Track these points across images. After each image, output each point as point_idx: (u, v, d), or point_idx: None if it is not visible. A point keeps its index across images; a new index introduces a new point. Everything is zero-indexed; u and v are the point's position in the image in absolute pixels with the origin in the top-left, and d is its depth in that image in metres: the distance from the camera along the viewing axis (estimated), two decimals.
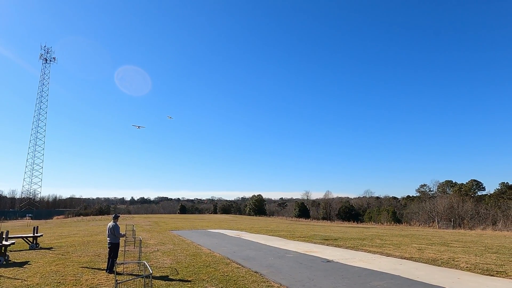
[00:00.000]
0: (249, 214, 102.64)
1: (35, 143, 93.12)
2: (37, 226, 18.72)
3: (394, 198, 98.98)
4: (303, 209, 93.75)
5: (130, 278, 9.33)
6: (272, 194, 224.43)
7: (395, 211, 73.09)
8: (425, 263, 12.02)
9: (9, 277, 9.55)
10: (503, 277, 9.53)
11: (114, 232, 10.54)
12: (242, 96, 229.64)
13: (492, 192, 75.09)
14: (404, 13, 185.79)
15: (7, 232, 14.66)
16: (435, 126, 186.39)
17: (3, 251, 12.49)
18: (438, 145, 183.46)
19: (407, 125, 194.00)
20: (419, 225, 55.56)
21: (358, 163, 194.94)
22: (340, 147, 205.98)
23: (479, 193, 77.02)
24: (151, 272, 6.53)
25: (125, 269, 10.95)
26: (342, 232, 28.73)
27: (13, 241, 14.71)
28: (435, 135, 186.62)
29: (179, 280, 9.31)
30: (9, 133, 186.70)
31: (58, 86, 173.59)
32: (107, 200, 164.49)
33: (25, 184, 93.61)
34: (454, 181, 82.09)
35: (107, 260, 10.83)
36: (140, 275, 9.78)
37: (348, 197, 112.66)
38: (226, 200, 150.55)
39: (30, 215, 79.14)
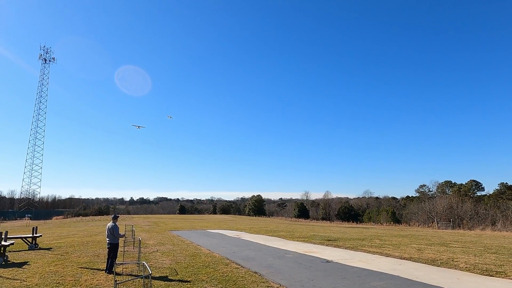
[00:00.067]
0: (249, 215, 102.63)
1: (34, 143, 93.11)
2: (36, 227, 18.68)
3: (394, 198, 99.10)
4: (303, 210, 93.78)
5: (130, 279, 9.32)
6: (271, 194, 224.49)
7: (395, 211, 73.19)
8: (425, 263, 12.02)
9: (8, 278, 9.53)
10: (502, 278, 9.54)
11: (114, 233, 10.52)
12: (242, 96, 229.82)
13: (491, 192, 75.26)
14: (404, 13, 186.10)
15: (6, 233, 14.62)
16: (435, 126, 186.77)
17: (2, 251, 12.46)
18: (438, 145, 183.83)
19: (406, 125, 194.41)
20: (419, 225, 55.62)
21: (358, 164, 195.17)
22: (340, 147, 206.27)
23: (478, 193, 77.18)
24: (150, 272, 6.53)
25: (124, 269, 10.93)
26: (342, 233, 28.73)
27: (12, 242, 14.70)
28: (435, 136, 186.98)
29: (179, 280, 9.30)
30: (8, 133, 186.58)
31: (58, 86, 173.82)
32: (106, 200, 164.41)
33: (24, 184, 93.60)
34: (453, 182, 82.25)
35: (106, 260, 10.81)
36: (140, 275, 9.76)
37: (347, 198, 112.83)
38: (226, 201, 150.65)
39: (29, 215, 79.02)
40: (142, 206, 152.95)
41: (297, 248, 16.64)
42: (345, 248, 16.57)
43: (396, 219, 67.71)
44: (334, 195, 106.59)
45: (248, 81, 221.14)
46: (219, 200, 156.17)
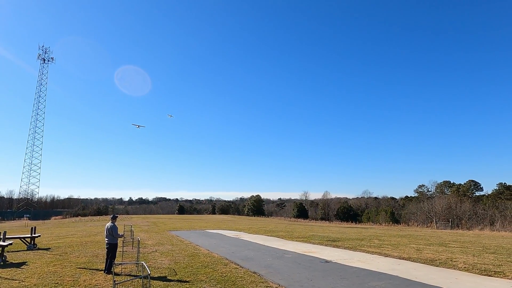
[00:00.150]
0: (248, 215, 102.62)
1: (33, 143, 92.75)
2: (35, 227, 18.63)
3: (392, 198, 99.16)
4: (302, 210, 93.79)
5: (128, 279, 9.31)
6: (270, 194, 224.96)
7: (393, 211, 73.25)
8: (423, 263, 12.04)
9: (6, 278, 9.51)
10: (501, 277, 9.56)
11: (112, 233, 10.51)
12: (241, 96, 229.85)
13: (490, 192, 75.37)
14: (403, 13, 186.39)
15: (5, 233, 14.60)
16: (433, 126, 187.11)
17: (0, 251, 12.43)
18: (436, 145, 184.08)
19: (405, 125, 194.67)
20: (417, 225, 55.71)
21: (357, 164, 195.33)
22: (339, 147, 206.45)
23: (477, 193, 77.26)
24: (149, 272, 6.52)
25: (123, 269, 10.92)
26: (341, 233, 28.75)
27: (10, 242, 14.64)
28: (433, 136, 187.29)
29: (178, 280, 9.29)
30: (7, 133, 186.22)
31: (57, 86, 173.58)
32: (105, 200, 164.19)
33: (23, 184, 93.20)
34: (452, 182, 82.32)
35: (105, 260, 10.80)
36: (138, 275, 9.75)
37: (346, 198, 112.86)
38: (225, 201, 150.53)
39: (28, 215, 78.80)
40: (141, 206, 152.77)
41: (296, 248, 16.65)
42: (344, 248, 16.58)
43: (395, 219, 67.79)
44: (333, 195, 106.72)
45: (247, 81, 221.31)
46: (218, 200, 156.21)
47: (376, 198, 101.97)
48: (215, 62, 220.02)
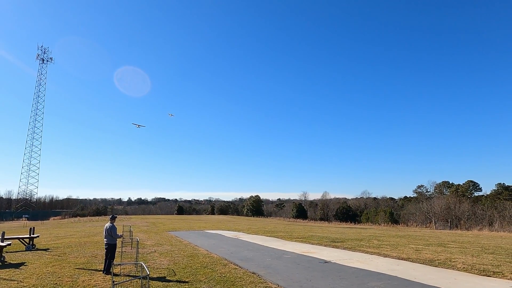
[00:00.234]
0: (247, 215, 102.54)
1: (31, 143, 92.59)
2: (34, 227, 18.59)
3: (391, 199, 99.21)
4: (301, 210, 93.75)
5: (127, 279, 9.30)
6: (269, 194, 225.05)
7: (392, 212, 73.24)
8: (422, 263, 12.05)
9: (5, 279, 9.49)
10: (500, 278, 9.57)
11: (111, 233, 10.49)
12: (240, 97, 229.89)
13: (488, 193, 75.56)
14: (402, 14, 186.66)
15: (3, 233, 14.56)
16: (432, 127, 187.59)
17: None
18: (435, 146, 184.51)
19: (404, 126, 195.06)
20: (416, 225, 55.74)
21: (356, 164, 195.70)
22: (338, 148, 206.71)
23: (476, 193, 77.42)
24: (148, 273, 6.51)
25: (122, 270, 10.90)
26: (340, 233, 28.76)
27: (9, 242, 14.61)
28: (432, 136, 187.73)
29: (177, 281, 9.28)
30: (5, 134, 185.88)
31: (56, 86, 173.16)
32: (104, 201, 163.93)
33: (22, 184, 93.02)
34: (451, 182, 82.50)
35: (104, 261, 10.78)
36: (137, 276, 9.74)
37: (345, 198, 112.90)
38: (224, 201, 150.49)
39: (27, 216, 78.60)
40: (140, 206, 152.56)
41: (295, 248, 16.65)
42: (343, 249, 16.58)
43: (394, 220, 67.79)
44: (332, 195, 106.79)
45: (246, 82, 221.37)
46: (217, 201, 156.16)
47: (375, 198, 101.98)
48: (214, 62, 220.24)
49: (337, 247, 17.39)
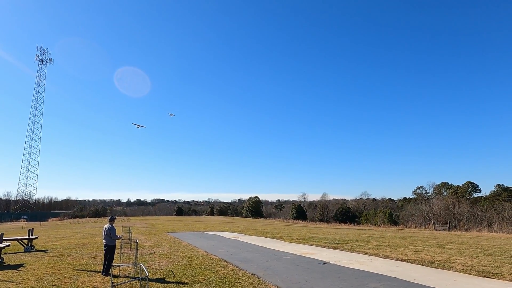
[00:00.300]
0: (246, 216, 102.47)
1: (30, 144, 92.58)
2: (32, 228, 18.54)
3: (391, 200, 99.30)
4: (300, 211, 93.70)
5: (126, 281, 9.28)
6: (269, 196, 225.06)
7: (392, 213, 73.25)
8: (422, 265, 12.05)
9: (3, 280, 9.46)
10: (499, 279, 9.58)
11: (110, 234, 10.48)
12: (240, 98, 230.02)
13: (487, 194, 75.71)
14: (402, 16, 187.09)
15: (2, 234, 14.51)
16: (432, 128, 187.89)
17: None
18: (434, 147, 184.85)
19: (403, 127, 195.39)
20: (416, 227, 55.75)
21: (355, 165, 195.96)
22: (337, 149, 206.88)
23: (475, 195, 77.54)
24: (147, 274, 6.50)
25: (121, 271, 10.88)
26: (339, 234, 28.75)
27: (7, 244, 14.57)
28: (432, 137, 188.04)
29: (176, 282, 9.27)
30: (4, 135, 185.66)
31: (56, 87, 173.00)
32: (103, 202, 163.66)
33: (21, 186, 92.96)
34: (450, 183, 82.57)
35: (103, 262, 10.76)
36: (137, 277, 9.72)
37: (344, 199, 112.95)
38: (223, 202, 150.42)
39: (25, 217, 78.47)
40: (139, 207, 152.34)
41: (295, 249, 16.63)
42: (342, 250, 16.57)
43: (393, 221, 67.79)
44: (331, 196, 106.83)
45: (246, 83, 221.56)
46: (217, 202, 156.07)
47: (374, 199, 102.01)
48: (214, 63, 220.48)
49: (336, 248, 17.38)
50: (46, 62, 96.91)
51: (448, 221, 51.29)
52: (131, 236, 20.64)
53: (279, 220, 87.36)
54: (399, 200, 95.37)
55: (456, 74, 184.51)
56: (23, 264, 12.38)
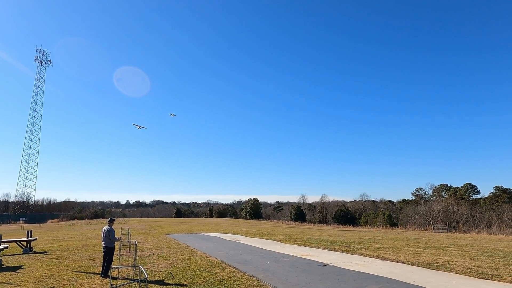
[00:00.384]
0: (245, 218, 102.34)
1: (29, 145, 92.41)
2: (31, 230, 18.50)
3: (390, 201, 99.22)
4: (299, 213, 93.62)
5: (125, 283, 9.26)
6: (268, 197, 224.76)
7: (391, 214, 73.22)
8: (421, 266, 12.05)
9: (1, 282, 9.43)
10: (498, 281, 9.58)
11: (109, 236, 10.46)
12: (239, 100, 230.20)
13: (486, 195, 75.71)
14: (401, 16, 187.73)
15: (0, 236, 14.49)
16: (431, 129, 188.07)
17: None
18: (434, 148, 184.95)
19: (402, 129, 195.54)
20: (415, 228, 55.77)
21: (354, 167, 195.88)
22: (336, 150, 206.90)
23: (474, 196, 77.57)
24: (146, 276, 6.49)
25: (120, 273, 10.85)
26: (338, 236, 28.73)
27: (6, 245, 14.53)
28: (431, 139, 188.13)
29: (175, 284, 9.25)
30: (3, 136, 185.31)
31: (55, 87, 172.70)
32: (102, 203, 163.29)
33: (19, 187, 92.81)
34: (449, 185, 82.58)
35: (102, 264, 10.73)
36: (136, 279, 9.71)
37: (344, 201, 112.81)
38: (222, 204, 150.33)
39: (24, 218, 78.16)
40: (138, 209, 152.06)
41: (294, 251, 16.62)
42: (341, 252, 16.57)
43: (392, 222, 67.78)
44: (330, 198, 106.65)
45: (245, 84, 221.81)
46: (216, 203, 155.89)
47: (373, 201, 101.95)
48: (213, 64, 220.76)
49: (335, 250, 17.37)
50: (46, 63, 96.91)
51: (447, 222, 51.30)
52: (130, 238, 20.60)
53: (278, 221, 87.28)
54: (398, 201, 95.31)
55: (456, 75, 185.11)
56: (22, 266, 12.34)
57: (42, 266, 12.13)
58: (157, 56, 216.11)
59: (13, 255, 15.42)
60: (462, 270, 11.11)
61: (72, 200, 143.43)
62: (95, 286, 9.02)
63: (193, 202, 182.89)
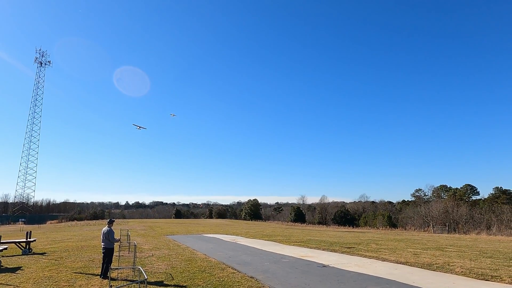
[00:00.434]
0: (245, 219, 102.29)
1: (29, 146, 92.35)
2: (30, 231, 18.48)
3: (390, 202, 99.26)
4: (299, 214, 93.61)
5: (125, 284, 9.25)
6: (267, 198, 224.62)
7: (391, 215, 73.25)
8: (421, 267, 12.05)
9: (1, 283, 9.41)
10: (498, 282, 9.59)
11: (109, 237, 10.45)
12: (239, 100, 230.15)
13: (486, 196, 75.81)
14: (401, 16, 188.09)
15: None
16: (430, 130, 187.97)
17: None
18: (433, 149, 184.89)
19: (402, 129, 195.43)
20: (414, 229, 55.77)
21: (354, 168, 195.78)
22: (336, 151, 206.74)
23: (474, 197, 77.71)
24: (145, 277, 6.48)
25: (119, 274, 10.84)
26: (338, 237, 28.73)
27: (5, 246, 14.52)
28: (430, 140, 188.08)
29: (174, 285, 9.24)
30: (3, 137, 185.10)
31: (54, 87, 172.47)
32: (101, 204, 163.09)
33: (19, 188, 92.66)
34: (448, 186, 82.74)
35: (101, 265, 10.72)
36: (135, 280, 9.69)
37: (343, 202, 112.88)
38: (222, 205, 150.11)
39: (23, 219, 77.96)
40: (138, 210, 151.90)
41: (294, 252, 16.61)
42: (341, 253, 16.56)
43: (392, 223, 67.81)
44: (330, 199, 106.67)
45: (244, 85, 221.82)
46: (215, 204, 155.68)
47: (373, 202, 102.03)
48: (213, 64, 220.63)
49: (335, 251, 17.36)
50: (45, 64, 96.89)
51: (447, 223, 51.34)
52: (129, 239, 20.58)
53: (278, 222, 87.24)
54: (398, 202, 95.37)
55: (455, 76, 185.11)
56: (21, 267, 12.32)
57: (41, 267, 12.11)
58: (156, 56, 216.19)
59: (12, 256, 15.40)
60: (461, 271, 11.11)
61: (71, 201, 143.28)
62: (94, 287, 9.01)
63: (192, 203, 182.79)
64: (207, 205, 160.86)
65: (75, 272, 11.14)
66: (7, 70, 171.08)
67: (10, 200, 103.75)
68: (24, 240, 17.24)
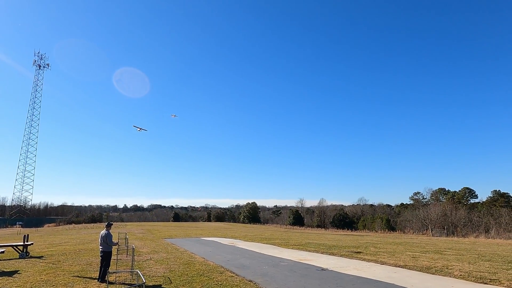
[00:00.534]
0: (243, 222, 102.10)
1: (27, 149, 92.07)
2: (28, 234, 18.40)
3: (388, 205, 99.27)
4: (298, 217, 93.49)
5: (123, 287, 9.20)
6: (266, 201, 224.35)
7: (389, 218, 73.25)
8: (419, 271, 12.05)
9: None
10: (497, 285, 9.59)
11: (107, 241, 10.41)
12: (237, 103, 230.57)
13: (484, 200, 75.96)
14: (402, 19, 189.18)
15: None
16: (429, 133, 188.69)
17: None
18: (432, 153, 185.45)
19: (401, 132, 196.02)
20: (413, 232, 55.77)
21: (352, 171, 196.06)
22: (335, 154, 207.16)
23: (472, 200, 77.83)
24: (144, 281, 6.46)
25: (117, 278, 10.79)
26: (337, 240, 28.69)
27: (2, 250, 14.45)
28: (429, 143, 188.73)
29: None
30: (0, 139, 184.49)
31: (54, 89, 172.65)
32: (99, 207, 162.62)
33: (16, 191, 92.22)
34: (447, 189, 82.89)
35: (99, 269, 10.68)
36: (133, 284, 9.65)
37: (342, 205, 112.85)
38: (220, 208, 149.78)
39: (21, 223, 77.71)
40: (136, 213, 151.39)
41: (292, 256, 16.58)
42: (340, 256, 16.54)
43: (390, 227, 67.79)
44: (329, 202, 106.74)
45: (243, 87, 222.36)
46: (214, 208, 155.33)
47: (371, 205, 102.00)
48: (212, 66, 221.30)
49: (334, 254, 17.33)
50: (44, 67, 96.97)
51: (446, 227, 51.38)
52: (127, 242, 20.47)
53: (276, 226, 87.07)
54: (397, 206, 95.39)
55: (454, 79, 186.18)
56: (18, 270, 12.25)
57: (39, 271, 12.05)
58: (156, 58, 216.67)
59: (9, 259, 15.31)
60: (460, 275, 11.11)
61: (69, 204, 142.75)
62: None
63: (191, 206, 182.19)
64: (205, 208, 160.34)
65: (72, 276, 11.09)
66: (5, 72, 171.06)
67: (8, 203, 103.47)
68: (22, 243, 17.14)
